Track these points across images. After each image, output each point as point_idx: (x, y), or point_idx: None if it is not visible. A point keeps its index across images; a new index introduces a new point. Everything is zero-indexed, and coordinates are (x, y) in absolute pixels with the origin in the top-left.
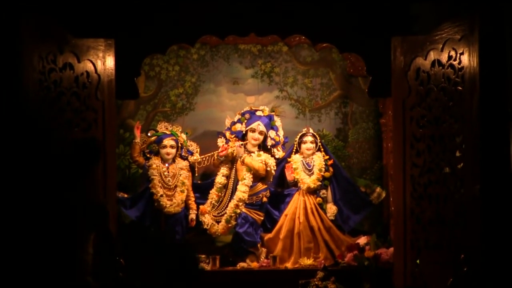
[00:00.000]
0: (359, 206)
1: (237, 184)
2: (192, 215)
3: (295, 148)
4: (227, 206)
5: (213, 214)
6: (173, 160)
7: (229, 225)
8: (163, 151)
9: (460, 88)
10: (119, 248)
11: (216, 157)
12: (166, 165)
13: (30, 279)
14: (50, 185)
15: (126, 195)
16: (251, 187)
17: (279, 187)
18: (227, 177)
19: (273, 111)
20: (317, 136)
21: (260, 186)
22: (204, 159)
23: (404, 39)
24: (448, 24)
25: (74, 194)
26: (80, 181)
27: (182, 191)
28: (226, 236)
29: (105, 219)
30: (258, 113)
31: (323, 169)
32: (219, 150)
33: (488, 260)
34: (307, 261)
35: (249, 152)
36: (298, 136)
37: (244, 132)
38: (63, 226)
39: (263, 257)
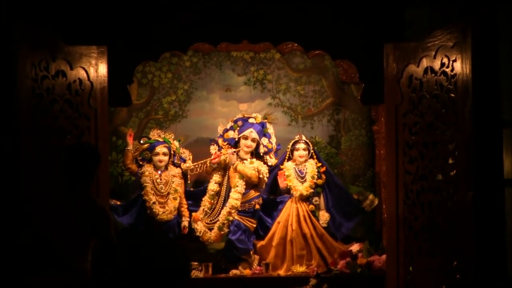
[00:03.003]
0: (351, 213)
1: (229, 191)
2: (185, 223)
3: (287, 155)
4: (219, 213)
5: (206, 222)
6: (166, 167)
7: (222, 232)
8: (156, 158)
9: (452, 95)
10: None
11: (208, 164)
12: (159, 172)
13: None
14: (48, 190)
15: (118, 202)
16: (243, 194)
17: (271, 194)
18: (220, 184)
19: (266, 118)
20: (309, 143)
21: (253, 193)
22: (196, 166)
23: (397, 46)
24: (441, 31)
25: (75, 199)
26: (82, 186)
27: (174, 198)
28: (219, 243)
29: (107, 225)
30: (250, 120)
31: (316, 176)
32: (212, 157)
33: (481, 268)
34: (299, 268)
35: (242, 159)
36: (291, 143)
37: (236, 139)
38: (63, 233)
39: (255, 264)
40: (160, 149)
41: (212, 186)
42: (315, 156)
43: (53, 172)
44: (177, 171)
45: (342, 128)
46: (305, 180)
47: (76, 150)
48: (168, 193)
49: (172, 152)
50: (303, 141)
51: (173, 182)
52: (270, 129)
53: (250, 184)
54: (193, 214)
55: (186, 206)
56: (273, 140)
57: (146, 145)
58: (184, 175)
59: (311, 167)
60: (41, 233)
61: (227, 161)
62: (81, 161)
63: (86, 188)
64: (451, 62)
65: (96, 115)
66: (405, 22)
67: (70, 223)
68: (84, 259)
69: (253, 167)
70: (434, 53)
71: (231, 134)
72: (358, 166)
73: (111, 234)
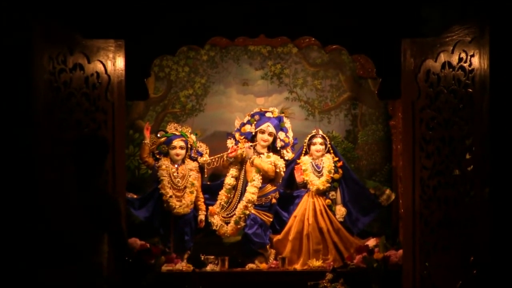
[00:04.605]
0: (368, 208)
1: (246, 186)
2: (201, 216)
3: (304, 149)
4: (236, 207)
5: (222, 215)
6: (183, 161)
7: (238, 226)
8: (173, 152)
9: (470, 90)
10: (130, 248)
11: (225, 158)
12: (176, 166)
13: (40, 284)
14: (60, 184)
15: (135, 196)
16: (260, 188)
17: (288, 189)
18: (237, 178)
19: (283, 113)
20: (326, 137)
21: (269, 187)
22: (213, 160)
23: (414, 41)
24: (459, 26)
25: (87, 192)
26: (91, 178)
27: (191, 192)
28: (235, 237)
29: (117, 216)
30: (267, 114)
31: (332, 171)
32: (229, 151)
33: (498, 263)
34: (316, 263)
35: (259, 154)
36: (308, 138)
37: (253, 133)
38: (76, 226)
39: (272, 259)
40: (177, 142)
41: (229, 180)
42: (332, 151)
43: (68, 165)
44: (194, 165)
45: (359, 122)
46: (321, 175)
47: (83, 142)
48: (185, 187)
49: (189, 146)
50: (320, 136)
51: (189, 176)
52: (287, 123)
53: (267, 178)
54: (210, 208)
55: (202, 200)
56: (290, 134)
57: (163, 139)
58: (201, 169)
59: (328, 161)
60: (55, 227)
61: (244, 155)
62: (88, 153)
63: (96, 179)
64: (469, 57)
65: (113, 108)
66: (422, 18)
67: (82, 215)
68: (97, 252)
69: (270, 161)
70: (452, 48)
71: (248, 128)
72: (375, 161)
73: (121, 226)
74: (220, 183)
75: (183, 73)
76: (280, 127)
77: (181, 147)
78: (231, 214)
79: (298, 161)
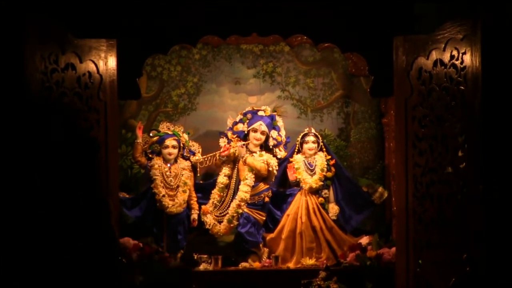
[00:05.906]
0: (361, 206)
1: (239, 184)
2: (194, 215)
3: (297, 148)
4: (229, 206)
5: (215, 214)
6: (175, 160)
7: (231, 225)
8: (165, 151)
9: (462, 87)
10: (121, 247)
11: (218, 157)
12: (168, 165)
13: (31, 282)
14: (51, 184)
15: (128, 196)
16: (253, 187)
17: (281, 187)
18: (229, 177)
19: (275, 111)
20: (319, 136)
21: (262, 186)
22: (206, 159)
23: (406, 39)
24: (450, 23)
25: (77, 192)
26: (82, 179)
27: (184, 191)
28: (228, 236)
29: (108, 217)
30: (260, 113)
31: (325, 169)
32: (221, 150)
33: (491, 260)
34: (309, 261)
35: (251, 152)
36: (300, 136)
37: (246, 132)
38: (66, 226)
39: (265, 257)
40: (170, 142)
41: (222, 179)
42: (324, 149)
43: (59, 165)
44: (186, 164)
45: (351, 120)
46: (314, 173)
47: (73, 143)
48: (178, 186)
49: (181, 145)
50: (313, 134)
51: (182, 175)
52: (280, 122)
53: (260, 177)
54: (203, 207)
55: (195, 199)
56: (283, 133)
57: (155, 138)
58: (194, 168)
59: (320, 159)
60: (46, 227)
61: (236, 154)
62: (79, 153)
63: (86, 180)
64: (460, 54)
65: (106, 108)
66: (414, 15)
67: (73, 216)
68: (88, 252)
69: (262, 160)
70: (443, 45)
71: (241, 127)
72: (368, 158)
73: (111, 226)
74: (213, 182)
75: (175, 72)
76: (272, 125)
77: (173, 146)
78: (224, 213)
79: (291, 159)
